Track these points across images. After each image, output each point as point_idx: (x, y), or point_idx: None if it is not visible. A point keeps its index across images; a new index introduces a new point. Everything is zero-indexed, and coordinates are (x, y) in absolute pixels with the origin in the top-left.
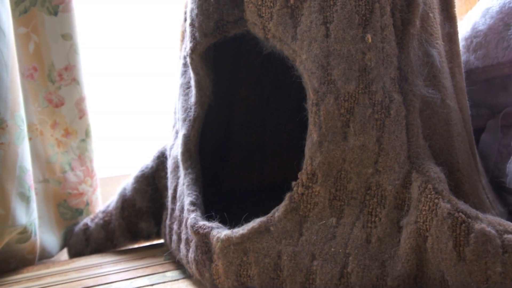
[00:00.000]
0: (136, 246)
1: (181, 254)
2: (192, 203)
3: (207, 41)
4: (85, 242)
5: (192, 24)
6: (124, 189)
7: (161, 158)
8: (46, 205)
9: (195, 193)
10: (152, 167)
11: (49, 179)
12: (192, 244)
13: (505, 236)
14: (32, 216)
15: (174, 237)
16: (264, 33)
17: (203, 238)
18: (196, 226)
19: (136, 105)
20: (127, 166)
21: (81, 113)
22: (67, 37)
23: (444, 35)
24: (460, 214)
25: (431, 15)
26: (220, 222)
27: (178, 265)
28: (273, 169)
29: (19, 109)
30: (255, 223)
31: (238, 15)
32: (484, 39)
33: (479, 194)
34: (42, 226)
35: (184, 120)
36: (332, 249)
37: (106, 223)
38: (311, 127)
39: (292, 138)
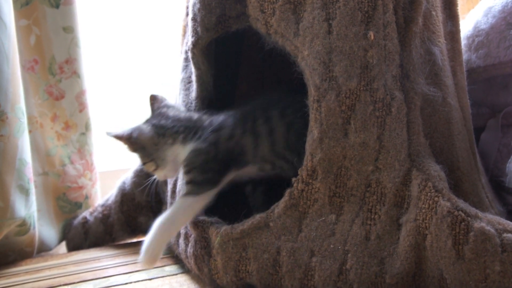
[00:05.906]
0: (134, 240)
1: (180, 248)
2: None
3: (209, 36)
4: (83, 236)
5: (194, 19)
6: (124, 183)
7: None
8: (45, 198)
9: None
10: None
11: (49, 172)
12: (191, 239)
13: (504, 235)
14: (31, 209)
15: None
16: (266, 29)
17: (202, 233)
18: (196, 221)
19: (137, 98)
20: (127, 160)
21: (81, 107)
22: (69, 30)
23: (446, 33)
24: (460, 212)
25: (433, 13)
26: (219, 217)
27: (177, 260)
28: None
29: (20, 102)
30: (254, 219)
31: (240, 10)
32: (486, 38)
33: (478, 193)
34: (41, 219)
35: None
36: (331, 246)
37: (105, 217)
38: (312, 123)
39: None
